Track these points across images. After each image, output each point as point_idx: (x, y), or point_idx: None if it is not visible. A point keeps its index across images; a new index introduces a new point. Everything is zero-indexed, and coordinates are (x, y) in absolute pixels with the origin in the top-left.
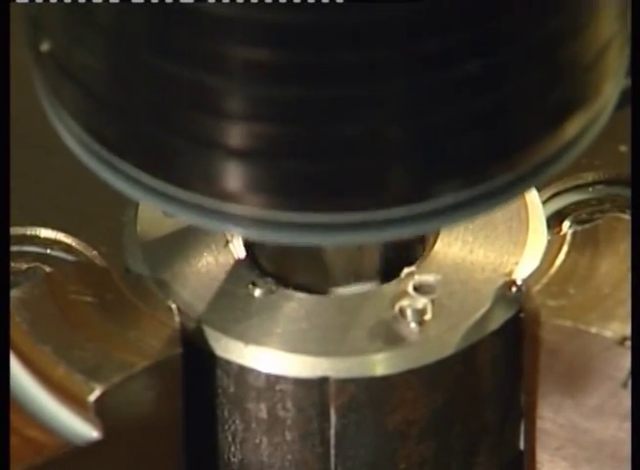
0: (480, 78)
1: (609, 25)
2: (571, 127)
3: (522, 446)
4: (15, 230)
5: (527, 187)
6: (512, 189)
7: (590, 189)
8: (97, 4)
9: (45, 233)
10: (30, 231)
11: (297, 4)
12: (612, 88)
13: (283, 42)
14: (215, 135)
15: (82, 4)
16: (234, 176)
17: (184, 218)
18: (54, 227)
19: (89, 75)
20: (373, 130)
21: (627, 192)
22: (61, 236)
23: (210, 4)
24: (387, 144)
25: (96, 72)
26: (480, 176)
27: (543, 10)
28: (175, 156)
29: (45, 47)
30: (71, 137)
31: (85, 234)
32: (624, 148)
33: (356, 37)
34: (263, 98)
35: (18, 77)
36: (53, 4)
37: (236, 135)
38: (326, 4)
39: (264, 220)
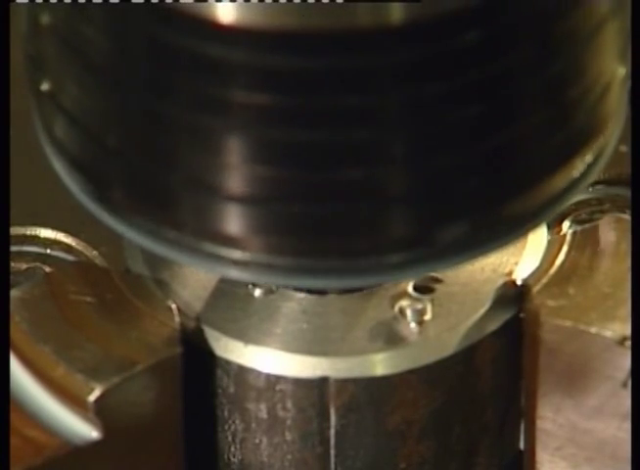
0: (482, 122)
1: (610, 65)
2: (575, 167)
3: (522, 445)
4: (15, 230)
5: (533, 227)
6: (516, 230)
7: (590, 189)
8: (95, 45)
9: (45, 233)
10: (30, 231)
11: (298, 49)
12: (614, 126)
13: (282, 87)
14: (213, 179)
15: (80, 46)
16: (231, 220)
17: (181, 261)
18: (54, 227)
19: (87, 116)
20: (374, 175)
21: (627, 192)
22: (61, 236)
23: (210, 48)
24: (388, 189)
25: (94, 114)
26: (483, 219)
27: (546, 53)
28: (173, 199)
29: (45, 87)
30: (69, 178)
31: (85, 234)
32: (624, 148)
33: (358, 82)
34: (262, 142)
35: (18, 77)
36: (50, 45)
37: (234, 179)
38: (326, 49)
39: (261, 264)
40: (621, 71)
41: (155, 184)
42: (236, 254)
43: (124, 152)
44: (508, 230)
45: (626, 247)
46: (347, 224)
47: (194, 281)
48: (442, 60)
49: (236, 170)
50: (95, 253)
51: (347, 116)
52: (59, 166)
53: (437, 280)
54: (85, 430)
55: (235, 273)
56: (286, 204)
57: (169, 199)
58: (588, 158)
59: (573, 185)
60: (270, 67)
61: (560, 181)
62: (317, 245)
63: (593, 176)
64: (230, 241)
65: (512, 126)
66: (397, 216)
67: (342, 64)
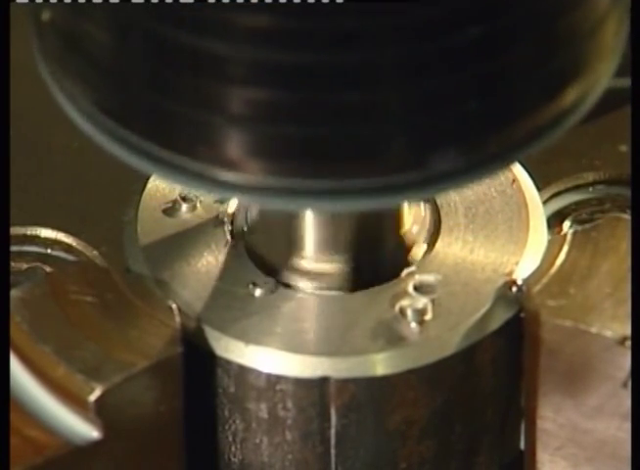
0: (478, 47)
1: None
2: (567, 97)
3: (522, 445)
4: (15, 230)
5: (521, 155)
6: (507, 156)
7: (591, 189)
8: None
9: (45, 233)
10: (31, 231)
11: None
12: (609, 60)
13: (284, 8)
14: (215, 101)
15: None
16: (233, 142)
17: (185, 186)
18: (54, 227)
19: (90, 44)
20: (372, 97)
21: (628, 192)
22: (61, 236)
23: None
24: (384, 111)
25: (97, 41)
26: (474, 145)
27: None
28: (175, 122)
29: (46, 16)
30: (73, 107)
31: (86, 234)
32: (625, 148)
33: (357, 5)
34: (264, 63)
35: (18, 77)
36: None
37: (235, 101)
38: None
39: (263, 187)
40: (619, 7)
41: (152, 106)
42: (233, 176)
43: (125, 76)
44: (497, 158)
45: (627, 247)
46: (342, 146)
47: (194, 281)
48: None
49: (233, 93)
50: (95, 253)
51: (344, 37)
52: (62, 98)
53: (438, 280)
54: (85, 430)
55: (232, 196)
56: (282, 126)
57: (167, 121)
58: (580, 89)
59: (563, 118)
60: None
61: (549, 113)
62: (312, 166)
63: (584, 109)
64: (227, 163)
65: (503, 54)
66: (391, 139)
67: None
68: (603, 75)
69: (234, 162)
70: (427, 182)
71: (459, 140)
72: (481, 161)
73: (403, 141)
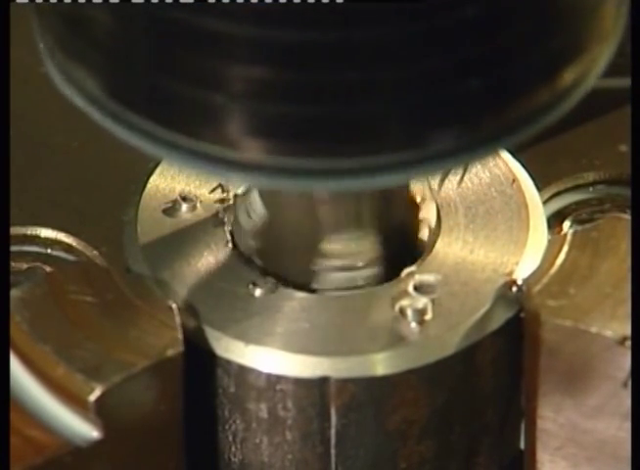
0: (477, 25)
1: None
2: (566, 77)
3: (522, 445)
4: (15, 230)
5: (520, 136)
6: (505, 137)
7: (591, 189)
8: None
9: (45, 233)
10: (31, 231)
11: None
12: (608, 40)
13: None
14: (215, 79)
15: None
16: (233, 121)
17: (182, 165)
18: (54, 227)
19: (91, 24)
20: (371, 76)
21: (628, 192)
22: (61, 236)
23: None
24: (384, 90)
25: (98, 21)
26: (474, 123)
27: None
28: (176, 101)
29: None
30: (70, 86)
31: (86, 234)
32: (625, 148)
33: None
34: (264, 42)
35: (18, 77)
36: None
37: (235, 79)
38: None
39: (264, 166)
40: None
41: (153, 86)
42: (233, 154)
43: (122, 54)
44: (496, 137)
45: (627, 247)
46: (342, 125)
47: (194, 281)
48: None
49: (234, 71)
50: (95, 252)
51: (345, 15)
52: (58, 78)
53: (438, 280)
54: (86, 430)
55: (231, 175)
56: (282, 105)
57: (168, 100)
58: (577, 72)
59: (562, 99)
60: None
61: (547, 93)
62: (311, 145)
63: (583, 90)
64: (227, 142)
65: (502, 33)
66: (390, 118)
67: None
68: (602, 56)
69: (234, 140)
70: (423, 162)
71: (458, 119)
72: (480, 140)
73: (402, 120)
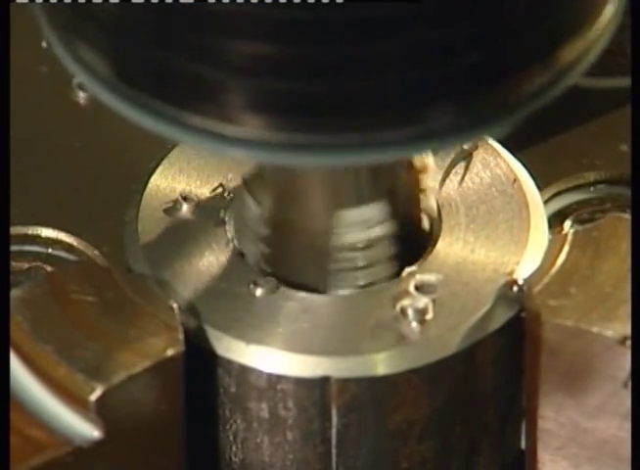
0: (477, 0)
1: None
2: (566, 54)
3: (523, 445)
4: (16, 230)
5: (523, 112)
6: (509, 114)
7: (591, 189)
8: None
9: (46, 233)
10: (32, 231)
11: None
12: (608, 16)
13: None
14: (216, 55)
15: None
16: (234, 97)
17: (185, 141)
18: (55, 227)
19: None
20: (370, 51)
21: (629, 192)
22: (62, 236)
23: None
24: (384, 65)
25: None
26: (474, 99)
27: None
28: (177, 77)
29: None
30: (74, 62)
31: (86, 234)
32: (626, 147)
33: None
34: (265, 17)
35: (18, 77)
36: None
37: (236, 55)
38: None
39: (264, 141)
40: None
41: (153, 61)
42: (234, 130)
43: (125, 31)
44: (495, 116)
45: (627, 246)
46: (342, 100)
47: (195, 280)
48: None
49: (235, 47)
50: (96, 252)
51: None
52: (62, 53)
53: (439, 280)
54: (86, 429)
55: (232, 151)
56: (282, 80)
57: (169, 76)
58: (576, 48)
59: (564, 74)
60: None
61: (551, 67)
62: (311, 121)
63: (580, 70)
64: (228, 117)
65: (501, 8)
66: (390, 94)
67: None
68: (602, 32)
69: (235, 116)
70: (423, 137)
71: (458, 95)
72: (480, 117)
73: (401, 95)
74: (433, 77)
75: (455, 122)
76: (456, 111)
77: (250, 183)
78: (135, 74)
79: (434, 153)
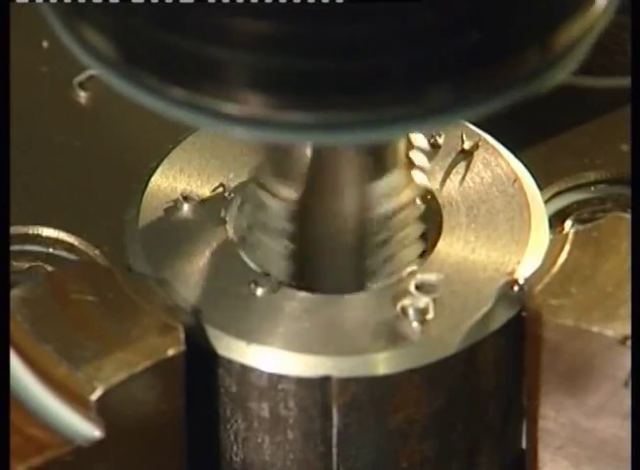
0: None
1: None
2: (563, 37)
3: (523, 445)
4: (17, 229)
5: (524, 92)
6: (509, 92)
7: (592, 188)
8: None
9: (47, 232)
10: (32, 230)
11: None
12: (604, 3)
13: None
14: (218, 33)
15: None
16: (236, 75)
17: (185, 120)
18: (56, 226)
19: None
20: (371, 29)
21: (629, 191)
22: (63, 235)
23: None
24: (384, 44)
25: None
26: (471, 79)
27: None
28: (178, 55)
29: None
30: (73, 40)
31: (87, 233)
32: (626, 147)
33: None
34: None
35: (18, 77)
36: None
37: (238, 33)
38: None
39: (264, 120)
40: None
41: (156, 40)
42: (236, 109)
43: (124, 9)
44: (493, 94)
45: (628, 246)
46: (341, 79)
47: (196, 280)
48: None
49: (237, 25)
50: (97, 252)
51: None
52: (62, 31)
53: (440, 279)
54: (87, 429)
55: (235, 130)
56: (282, 58)
57: (170, 55)
58: (574, 31)
59: (563, 55)
60: None
61: (543, 53)
62: (313, 99)
63: (579, 53)
64: (230, 96)
65: None
66: (388, 73)
67: None
68: (602, 12)
69: (237, 95)
70: (423, 116)
71: (457, 74)
72: (478, 97)
73: (401, 73)
74: (434, 55)
75: (455, 101)
76: (456, 89)
77: (262, 178)
78: (138, 54)
79: (436, 132)
